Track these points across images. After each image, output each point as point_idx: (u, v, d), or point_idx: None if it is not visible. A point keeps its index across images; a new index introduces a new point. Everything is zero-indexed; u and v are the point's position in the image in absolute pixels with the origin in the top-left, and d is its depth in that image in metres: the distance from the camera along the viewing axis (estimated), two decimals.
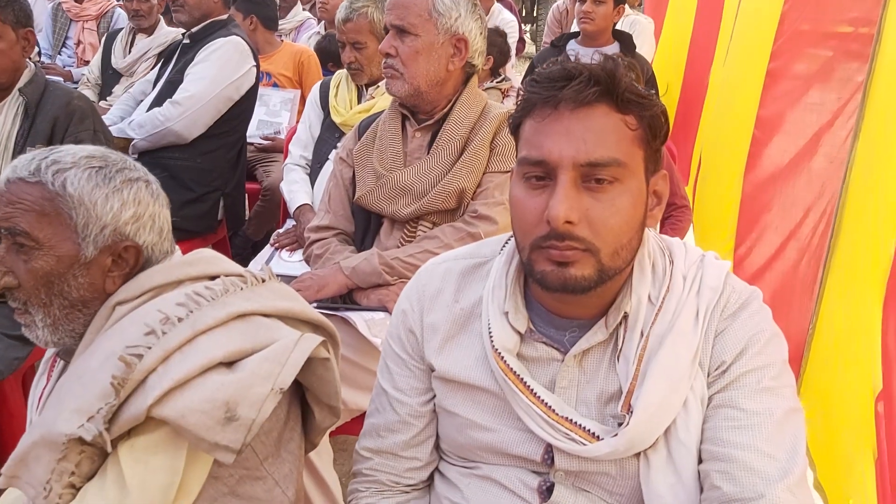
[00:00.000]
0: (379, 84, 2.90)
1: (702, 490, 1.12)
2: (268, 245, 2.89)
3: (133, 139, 3.20)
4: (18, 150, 2.29)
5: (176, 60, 3.36)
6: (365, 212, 2.20)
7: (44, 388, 1.38)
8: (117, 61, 4.29)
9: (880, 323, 1.72)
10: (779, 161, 2.56)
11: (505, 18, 6.12)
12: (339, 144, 2.89)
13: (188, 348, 1.15)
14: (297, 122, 3.97)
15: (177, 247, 1.38)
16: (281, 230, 2.97)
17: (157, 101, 3.26)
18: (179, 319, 1.17)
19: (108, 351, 1.15)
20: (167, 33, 4.33)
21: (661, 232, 2.92)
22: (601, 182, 1.09)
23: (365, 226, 2.21)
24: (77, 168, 1.24)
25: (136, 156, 3.14)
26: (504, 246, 1.30)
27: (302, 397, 1.35)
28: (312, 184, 2.94)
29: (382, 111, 2.34)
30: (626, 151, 1.10)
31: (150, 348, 1.13)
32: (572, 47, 3.89)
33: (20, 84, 2.36)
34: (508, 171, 2.01)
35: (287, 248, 2.80)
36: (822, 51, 2.59)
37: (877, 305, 1.74)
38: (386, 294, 2.03)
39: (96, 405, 1.11)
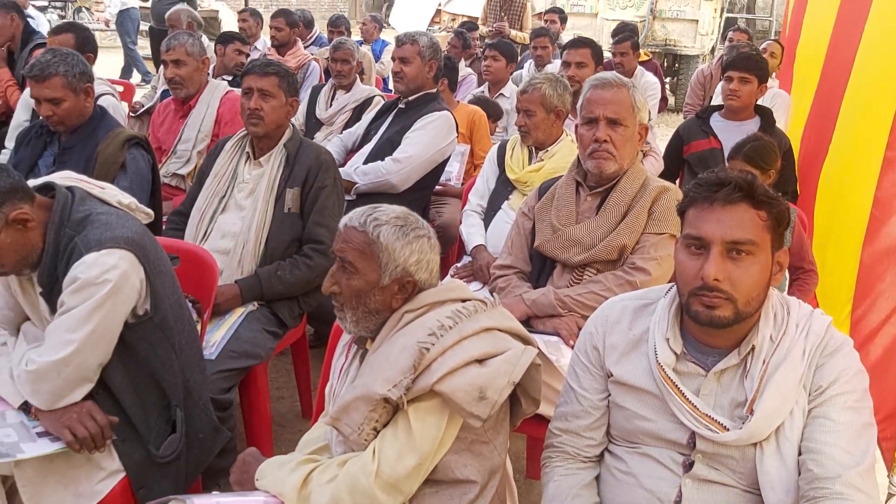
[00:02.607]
0: (548, 148, 3.42)
1: (799, 473, 1.60)
2: (447, 277, 3.32)
3: (356, 183, 3.81)
4: (281, 189, 2.91)
5: (392, 121, 3.99)
6: (541, 256, 2.70)
7: (343, 364, 1.95)
8: (320, 112, 4.88)
9: None
10: (894, 237, 2.91)
11: (648, 80, 6.13)
12: (510, 196, 3.46)
13: (457, 348, 1.70)
14: (465, 172, 4.56)
15: None
16: (458, 264, 3.48)
17: (375, 154, 3.88)
18: (450, 328, 1.72)
19: (404, 343, 1.72)
20: (362, 90, 4.91)
21: (790, 291, 3.37)
22: (740, 254, 1.61)
23: (540, 268, 2.72)
24: (388, 225, 1.79)
25: (355, 196, 3.78)
26: (668, 292, 1.81)
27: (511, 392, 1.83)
28: (486, 228, 3.42)
29: (559, 175, 2.85)
30: (759, 235, 1.62)
31: (433, 345, 1.69)
32: (716, 120, 4.17)
33: (283, 140, 3.00)
34: (662, 234, 2.56)
35: (464, 279, 3.26)
36: None
37: None
38: (559, 322, 2.52)
39: (399, 377, 1.67)
